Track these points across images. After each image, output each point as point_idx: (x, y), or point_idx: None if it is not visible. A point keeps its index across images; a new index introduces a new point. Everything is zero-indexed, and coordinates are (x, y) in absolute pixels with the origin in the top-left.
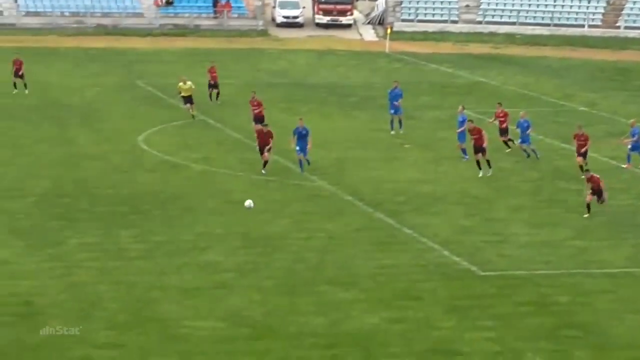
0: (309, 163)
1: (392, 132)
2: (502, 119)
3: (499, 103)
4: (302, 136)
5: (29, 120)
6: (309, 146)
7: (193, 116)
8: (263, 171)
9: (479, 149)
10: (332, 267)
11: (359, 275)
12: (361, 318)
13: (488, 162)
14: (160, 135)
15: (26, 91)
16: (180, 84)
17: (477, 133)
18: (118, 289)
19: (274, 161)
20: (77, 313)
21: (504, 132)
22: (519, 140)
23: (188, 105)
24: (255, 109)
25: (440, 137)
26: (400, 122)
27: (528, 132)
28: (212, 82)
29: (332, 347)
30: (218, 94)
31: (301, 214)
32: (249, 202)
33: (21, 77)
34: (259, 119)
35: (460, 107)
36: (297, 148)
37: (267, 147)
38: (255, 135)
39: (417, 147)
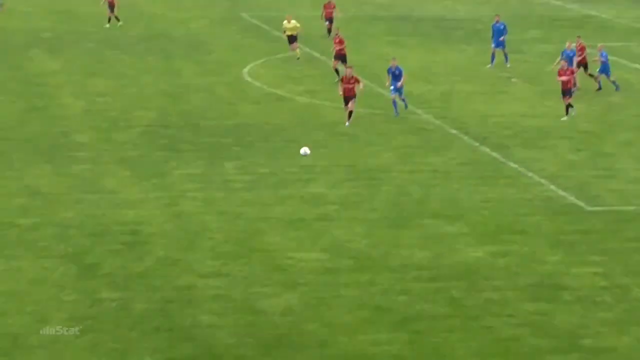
0: (405, 105)
1: (489, 66)
2: (580, 52)
3: (578, 36)
4: (395, 76)
5: (134, 52)
6: (400, 83)
7: (297, 58)
8: (347, 123)
9: (566, 92)
10: (437, 201)
11: (464, 209)
12: (465, 251)
13: (569, 106)
14: (265, 67)
15: (119, 23)
16: (285, 22)
17: (569, 74)
18: (223, 220)
19: (379, 95)
20: (182, 242)
21: (582, 66)
22: (598, 71)
23: (294, 44)
24: (337, 47)
25: (547, 71)
26: (505, 56)
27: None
28: (328, 18)
29: (436, 280)
30: (329, 30)
31: (406, 147)
32: (304, 150)
33: (112, 9)
34: (340, 57)
35: (567, 43)
36: (392, 88)
37: (352, 98)
38: (340, 82)
39: (524, 81)
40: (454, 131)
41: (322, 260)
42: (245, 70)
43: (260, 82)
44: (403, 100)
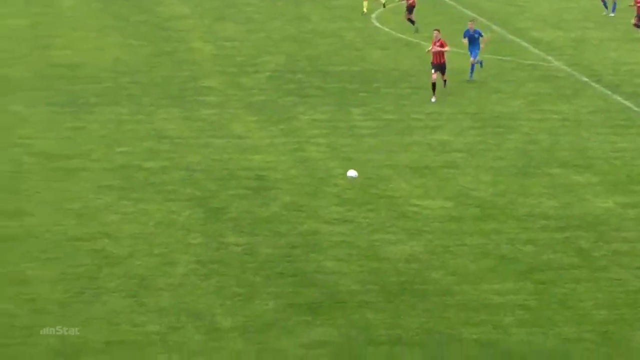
0: (481, 65)
1: (605, 14)
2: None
3: None
4: (473, 39)
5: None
6: (482, 46)
7: (384, 5)
8: (433, 99)
9: None
10: (566, 150)
11: (594, 158)
12: (594, 202)
13: None
14: (394, 13)
15: None
16: None
17: None
18: (348, 166)
19: (509, 41)
20: (307, 188)
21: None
22: None
23: None
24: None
25: None
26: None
27: None
28: None
29: (564, 230)
30: None
31: (535, 94)
32: (351, 173)
33: None
34: (410, 8)
35: None
36: (472, 53)
37: (442, 67)
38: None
39: None
40: (585, 79)
41: (447, 208)
42: (374, 15)
43: (389, 28)
44: (480, 62)
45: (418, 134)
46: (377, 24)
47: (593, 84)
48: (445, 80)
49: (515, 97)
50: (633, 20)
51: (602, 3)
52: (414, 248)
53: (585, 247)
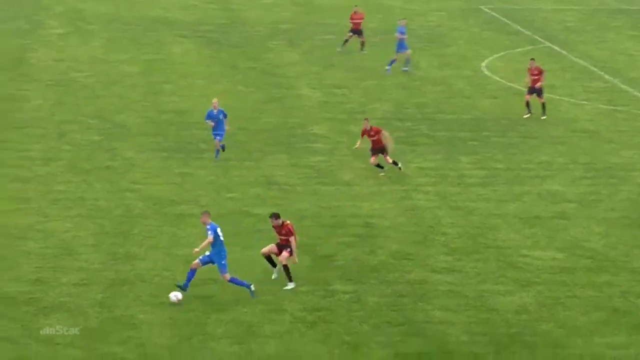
0: None
1: None
2: None
3: None
4: None
5: (372, 44)
6: None
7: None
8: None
9: None
10: None
11: None
12: None
13: None
14: (504, 61)
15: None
16: None
17: None
18: (457, 215)
19: (622, 91)
20: (415, 236)
21: None
22: None
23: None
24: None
25: None
26: None
27: None
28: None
29: None
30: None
31: None
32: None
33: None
34: (535, 90)
35: None
36: None
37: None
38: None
39: None
40: None
41: (558, 259)
42: (484, 64)
43: (499, 76)
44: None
45: (528, 184)
46: (487, 72)
47: None
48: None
49: (628, 147)
50: None
51: None
52: (523, 299)
53: None
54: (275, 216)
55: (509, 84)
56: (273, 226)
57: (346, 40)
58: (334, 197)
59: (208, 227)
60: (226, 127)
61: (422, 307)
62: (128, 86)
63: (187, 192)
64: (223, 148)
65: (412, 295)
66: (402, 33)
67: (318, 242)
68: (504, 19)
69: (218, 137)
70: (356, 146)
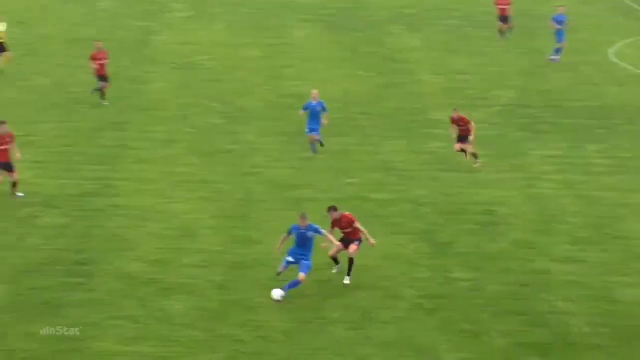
0: None
1: None
2: None
3: None
4: None
5: (495, 29)
6: None
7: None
8: None
9: None
10: None
11: None
12: None
13: None
14: (633, 47)
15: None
16: None
17: None
18: (581, 204)
19: None
20: (538, 225)
21: None
22: None
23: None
24: None
25: None
26: None
27: None
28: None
29: None
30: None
31: None
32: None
33: None
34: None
35: None
36: None
37: None
38: None
39: None
40: None
41: None
42: (612, 50)
43: (627, 63)
44: None
45: None
46: (615, 59)
47: None
48: None
49: None
50: None
51: None
52: None
53: None
54: (334, 208)
55: (637, 71)
56: (333, 220)
57: (500, 31)
58: (454, 183)
59: (315, 228)
60: (323, 121)
61: (544, 297)
62: (250, 70)
63: (306, 176)
64: (321, 143)
65: (534, 285)
66: (559, 22)
67: (437, 228)
68: (633, 4)
69: (314, 132)
70: (452, 133)
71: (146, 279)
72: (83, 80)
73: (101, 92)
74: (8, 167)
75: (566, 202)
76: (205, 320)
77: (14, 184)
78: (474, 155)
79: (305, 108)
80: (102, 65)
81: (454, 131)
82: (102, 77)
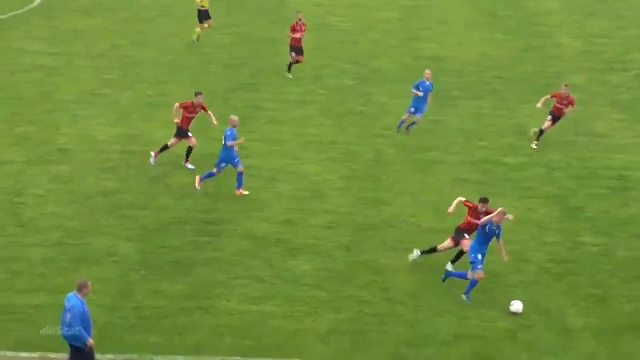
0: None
1: None
2: None
3: None
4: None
5: None
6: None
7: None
8: None
9: None
10: None
11: None
12: None
13: None
14: None
15: None
16: None
17: None
18: None
19: None
20: None
21: None
22: None
23: None
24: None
25: None
26: None
27: None
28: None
29: None
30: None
31: None
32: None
33: None
34: None
35: None
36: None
37: None
38: None
39: None
40: None
41: None
42: None
43: None
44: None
45: None
46: None
47: None
48: None
49: None
50: None
51: None
52: None
53: None
54: (486, 200)
55: None
56: (477, 211)
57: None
58: (587, 148)
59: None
60: (429, 100)
61: None
62: (385, 31)
63: (437, 138)
64: (414, 124)
65: None
66: None
67: (568, 193)
68: None
69: (418, 113)
70: (540, 106)
71: (273, 240)
72: (216, 42)
73: (290, 64)
74: (185, 135)
75: None
76: (331, 280)
77: (189, 152)
78: (539, 134)
79: (417, 87)
80: (299, 38)
81: (544, 105)
82: (298, 50)
